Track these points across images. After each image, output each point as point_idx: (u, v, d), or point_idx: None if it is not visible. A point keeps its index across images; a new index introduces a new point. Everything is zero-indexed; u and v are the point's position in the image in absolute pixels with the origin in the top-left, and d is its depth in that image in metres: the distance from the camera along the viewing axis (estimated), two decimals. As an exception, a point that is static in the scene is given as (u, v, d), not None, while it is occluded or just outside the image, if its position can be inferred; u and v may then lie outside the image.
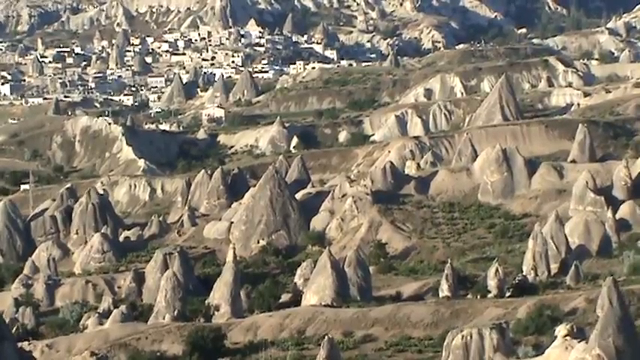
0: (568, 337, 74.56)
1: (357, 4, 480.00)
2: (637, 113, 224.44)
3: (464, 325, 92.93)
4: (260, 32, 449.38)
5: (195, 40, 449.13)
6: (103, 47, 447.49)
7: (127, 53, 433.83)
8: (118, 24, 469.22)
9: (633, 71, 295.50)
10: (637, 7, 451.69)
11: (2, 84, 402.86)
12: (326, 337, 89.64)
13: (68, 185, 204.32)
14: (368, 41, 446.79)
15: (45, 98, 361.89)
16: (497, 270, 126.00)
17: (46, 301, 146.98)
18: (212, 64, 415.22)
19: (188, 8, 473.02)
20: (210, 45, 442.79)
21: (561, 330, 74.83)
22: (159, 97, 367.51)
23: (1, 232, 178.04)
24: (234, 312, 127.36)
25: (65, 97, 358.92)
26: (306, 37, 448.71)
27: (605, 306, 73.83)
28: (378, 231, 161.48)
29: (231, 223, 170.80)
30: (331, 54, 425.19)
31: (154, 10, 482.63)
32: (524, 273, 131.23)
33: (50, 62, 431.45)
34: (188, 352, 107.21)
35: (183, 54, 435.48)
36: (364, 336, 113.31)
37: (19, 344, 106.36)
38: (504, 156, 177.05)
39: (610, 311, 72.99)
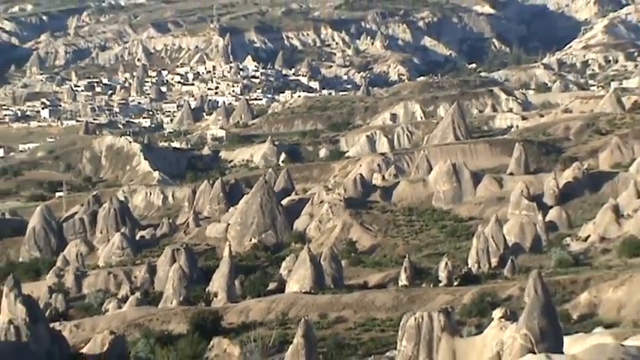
0: (503, 319, 74.80)
1: (336, 44, 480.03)
2: (565, 134, 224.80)
3: (418, 309, 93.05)
4: (255, 66, 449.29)
5: (202, 73, 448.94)
6: (125, 78, 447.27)
7: (146, 83, 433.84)
8: (138, 59, 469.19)
9: (563, 99, 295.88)
10: (567, 46, 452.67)
11: (42, 108, 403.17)
12: (303, 318, 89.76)
13: (95, 193, 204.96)
14: (345, 74, 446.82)
15: (77, 120, 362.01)
16: (446, 263, 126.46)
17: (74, 289, 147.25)
18: (216, 93, 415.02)
19: (196, 46, 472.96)
20: (214, 77, 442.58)
21: (497, 313, 74.94)
22: (171, 120, 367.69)
23: (39, 232, 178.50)
24: (230, 298, 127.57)
25: (94, 119, 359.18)
26: (293, 70, 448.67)
27: (531, 294, 74.13)
28: (349, 231, 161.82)
29: (229, 224, 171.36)
30: (314, 85, 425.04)
31: (168, 47, 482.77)
32: (469, 266, 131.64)
33: (82, 91, 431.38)
34: (191, 331, 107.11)
35: (192, 84, 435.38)
36: (337, 317, 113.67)
37: (52, 324, 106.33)
38: (454, 169, 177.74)
39: (535, 298, 73.23)
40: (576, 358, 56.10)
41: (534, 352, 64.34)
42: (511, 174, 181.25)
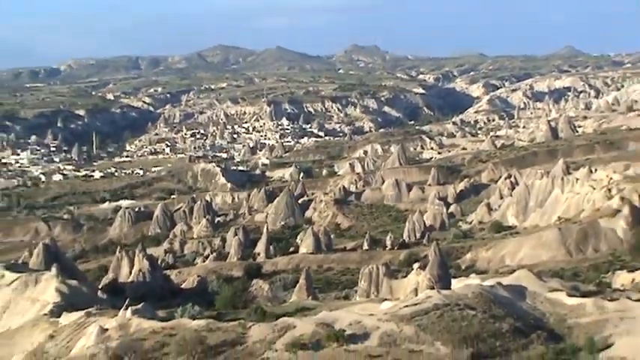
0: (419, 269, 74.68)
1: (334, 110, 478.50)
2: (462, 162, 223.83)
3: (373, 263, 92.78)
4: (287, 123, 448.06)
5: (257, 127, 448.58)
6: (213, 130, 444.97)
7: (225, 133, 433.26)
8: (221, 119, 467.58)
9: (462, 142, 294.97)
10: (466, 111, 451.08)
11: (166, 147, 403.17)
12: (305, 269, 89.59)
13: (193, 195, 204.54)
14: (339, 127, 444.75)
15: (185, 154, 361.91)
16: (391, 236, 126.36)
17: (179, 251, 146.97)
18: (264, 138, 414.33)
19: (254, 112, 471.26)
20: (263, 129, 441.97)
21: (416, 265, 74.85)
22: (239, 154, 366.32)
23: (160, 218, 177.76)
24: (267, 256, 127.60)
25: (194, 154, 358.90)
26: (309, 125, 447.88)
27: (432, 254, 73.94)
28: (336, 218, 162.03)
29: (267, 213, 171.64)
30: (321, 133, 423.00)
31: (238, 112, 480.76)
32: (404, 238, 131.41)
33: (188, 137, 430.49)
34: (244, 275, 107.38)
35: (251, 133, 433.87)
36: (327, 267, 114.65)
37: (165, 271, 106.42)
38: (397, 182, 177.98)
39: (434, 257, 73.06)
40: (454, 292, 55.89)
41: (433, 288, 64.11)
42: (429, 185, 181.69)
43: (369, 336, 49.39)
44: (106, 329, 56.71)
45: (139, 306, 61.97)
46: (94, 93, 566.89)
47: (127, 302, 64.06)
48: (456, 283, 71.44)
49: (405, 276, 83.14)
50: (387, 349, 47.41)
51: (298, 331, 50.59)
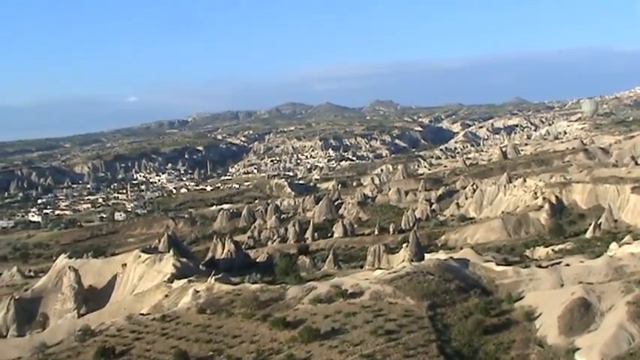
0: (407, 247, 73.93)
1: (362, 143, 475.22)
2: (444, 175, 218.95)
3: (380, 243, 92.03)
4: (332, 152, 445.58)
5: (313, 155, 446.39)
6: (285, 157, 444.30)
7: (292, 159, 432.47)
8: (290, 150, 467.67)
9: (446, 163, 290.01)
10: (449, 142, 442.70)
11: (255, 169, 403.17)
12: (333, 248, 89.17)
13: (268, 201, 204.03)
14: (365, 154, 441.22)
15: (266, 174, 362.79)
16: (393, 225, 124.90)
17: (257, 237, 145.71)
18: (317, 162, 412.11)
19: (311, 145, 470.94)
20: (316, 156, 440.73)
21: (405, 245, 74.13)
22: (301, 173, 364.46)
23: (245, 215, 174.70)
24: (313, 239, 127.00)
25: (272, 173, 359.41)
26: (346, 153, 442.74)
27: (412, 237, 73.08)
28: (359, 214, 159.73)
29: (315, 211, 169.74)
30: (354, 158, 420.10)
31: (300, 146, 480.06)
32: (401, 226, 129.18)
33: (268, 163, 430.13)
34: (297, 252, 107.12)
35: (309, 159, 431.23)
36: (351, 247, 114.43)
37: (246, 250, 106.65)
38: (398, 190, 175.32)
39: (413, 239, 72.24)
40: (421, 263, 55.29)
41: (412, 261, 63.26)
42: (419, 191, 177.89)
43: (363, 293, 49.23)
44: (198, 291, 57.36)
45: (220, 275, 62.52)
46: (209, 135, 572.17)
47: (212, 273, 64.70)
48: (428, 257, 70.66)
49: (398, 251, 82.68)
50: (374, 302, 47.26)
51: (318, 291, 50.65)
